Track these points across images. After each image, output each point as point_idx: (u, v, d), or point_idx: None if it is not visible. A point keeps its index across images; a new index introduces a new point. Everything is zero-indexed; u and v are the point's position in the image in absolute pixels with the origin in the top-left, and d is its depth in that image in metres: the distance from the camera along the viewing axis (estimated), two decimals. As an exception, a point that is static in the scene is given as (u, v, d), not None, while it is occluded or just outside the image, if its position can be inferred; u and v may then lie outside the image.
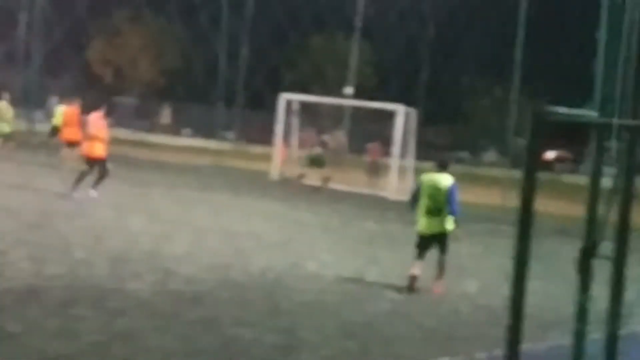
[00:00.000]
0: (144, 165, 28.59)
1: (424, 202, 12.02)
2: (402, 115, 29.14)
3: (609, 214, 6.65)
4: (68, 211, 15.53)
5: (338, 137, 34.70)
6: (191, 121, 59.67)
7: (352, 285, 11.85)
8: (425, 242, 12.04)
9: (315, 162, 29.58)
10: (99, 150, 18.10)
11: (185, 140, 55.05)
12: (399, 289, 11.78)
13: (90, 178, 18.03)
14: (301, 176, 29.44)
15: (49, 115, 43.76)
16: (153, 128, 58.37)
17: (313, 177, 29.67)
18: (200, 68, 52.12)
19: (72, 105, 23.39)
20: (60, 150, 23.38)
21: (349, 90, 35.01)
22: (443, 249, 12.04)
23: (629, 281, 6.66)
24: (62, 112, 27.48)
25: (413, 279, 11.80)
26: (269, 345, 8.22)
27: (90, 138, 18.18)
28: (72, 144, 22.51)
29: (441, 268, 12.02)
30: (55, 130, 27.12)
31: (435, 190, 11.94)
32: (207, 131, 52.46)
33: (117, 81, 61.34)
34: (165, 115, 64.06)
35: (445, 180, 12.03)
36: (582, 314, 6.72)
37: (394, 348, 8.65)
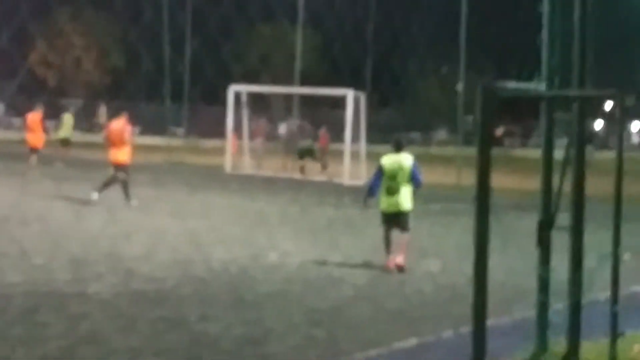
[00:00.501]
0: (96, 165, 28.33)
1: (385, 183, 12.39)
2: (352, 100, 29.20)
3: (563, 185, 6.75)
4: (23, 217, 15.31)
5: (292, 126, 34.76)
6: (140, 119, 58.98)
7: (315, 272, 11.87)
8: (388, 220, 12.43)
9: (307, 153, 29.93)
10: (122, 155, 18.64)
11: (135, 138, 54.51)
12: (361, 273, 11.86)
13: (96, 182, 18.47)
14: (302, 169, 29.73)
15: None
16: (91, 128, 57.30)
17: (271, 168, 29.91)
18: (148, 65, 51.65)
19: (35, 111, 24.53)
20: (29, 158, 24.13)
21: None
22: (404, 226, 12.44)
23: (587, 250, 6.78)
24: (70, 122, 30.61)
25: (388, 269, 12.17)
26: (236, 338, 8.21)
27: (114, 144, 18.68)
28: (34, 150, 23.77)
29: (403, 246, 12.38)
30: (66, 141, 30.04)
31: (399, 169, 12.35)
32: (156, 128, 51.95)
33: (61, 83, 60.52)
34: (102, 114, 62.99)
35: (406, 159, 12.48)
36: (544, 286, 6.82)
37: (361, 333, 8.68)
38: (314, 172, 30.68)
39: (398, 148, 12.61)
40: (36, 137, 24.00)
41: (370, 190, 12.73)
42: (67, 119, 31.59)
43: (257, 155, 33.22)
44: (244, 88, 32.92)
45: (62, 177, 22.61)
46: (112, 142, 18.83)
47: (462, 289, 10.25)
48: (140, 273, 11.06)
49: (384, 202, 12.48)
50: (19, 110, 55.90)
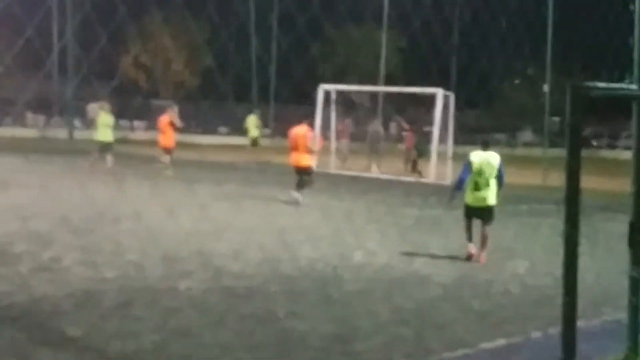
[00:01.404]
0: (187, 164, 28.84)
1: (473, 178, 12.90)
2: (441, 99, 29.04)
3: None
4: (116, 215, 15.72)
5: (375, 127, 34.79)
6: (229, 119, 59.69)
7: (401, 271, 11.93)
8: (472, 213, 13.03)
9: (423, 152, 30.00)
10: (305, 160, 19.83)
11: (222, 139, 55.33)
12: (448, 273, 11.87)
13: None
14: (420, 174, 29.65)
15: (89, 123, 44.34)
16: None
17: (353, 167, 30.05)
18: (236, 66, 52.30)
19: (166, 114, 26.04)
20: (160, 157, 25.26)
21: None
22: (488, 220, 12.97)
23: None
24: (256, 122, 34.71)
25: (470, 256, 12.87)
26: (324, 335, 8.32)
27: (296, 149, 19.83)
28: (167, 150, 25.12)
29: (485, 239, 12.91)
30: (255, 141, 34.60)
31: (487, 166, 12.89)
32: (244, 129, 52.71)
33: (152, 84, 61.57)
34: (173, 114, 63.74)
35: (493, 157, 13.02)
36: (636, 288, 6.74)
37: (448, 333, 8.70)
38: (402, 172, 30.72)
39: (485, 147, 13.16)
40: (167, 138, 25.26)
41: (459, 184, 13.16)
42: (252, 120, 35.00)
43: (342, 155, 33.39)
44: (334, 87, 33.03)
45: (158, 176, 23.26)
46: (294, 147, 19.85)
47: (550, 290, 10.20)
48: (230, 270, 11.28)
49: (470, 197, 13.02)
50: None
